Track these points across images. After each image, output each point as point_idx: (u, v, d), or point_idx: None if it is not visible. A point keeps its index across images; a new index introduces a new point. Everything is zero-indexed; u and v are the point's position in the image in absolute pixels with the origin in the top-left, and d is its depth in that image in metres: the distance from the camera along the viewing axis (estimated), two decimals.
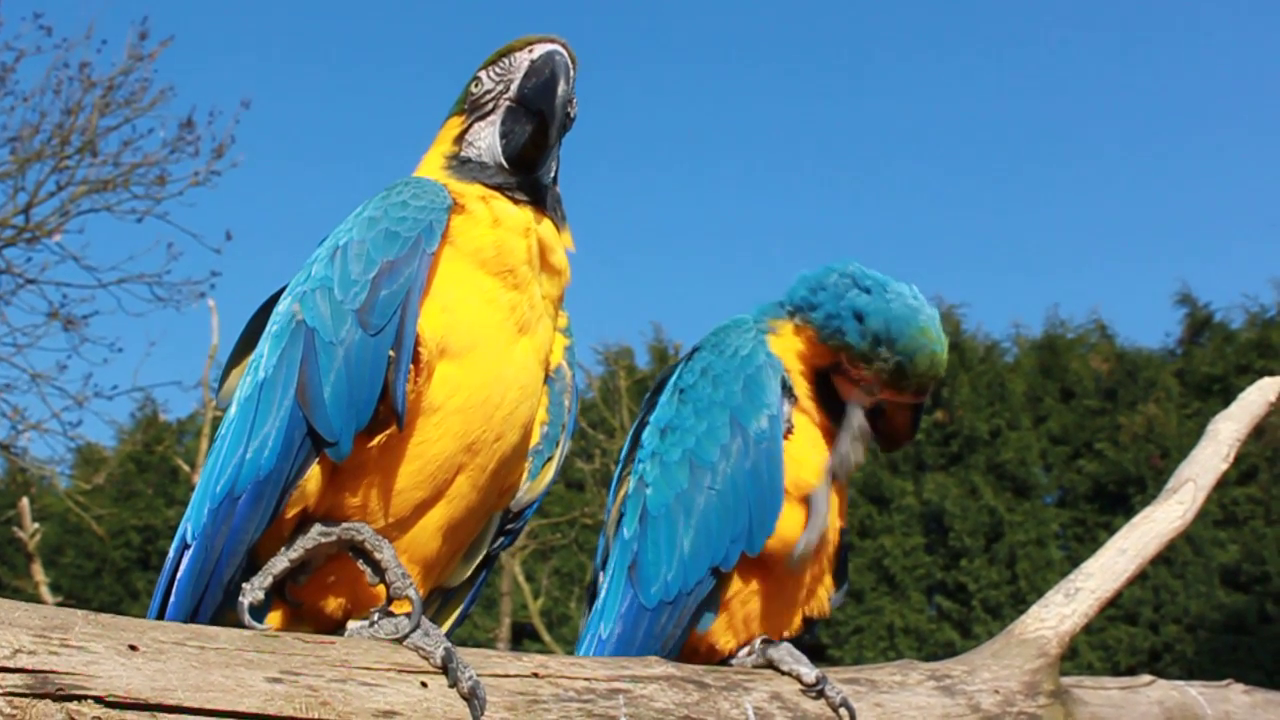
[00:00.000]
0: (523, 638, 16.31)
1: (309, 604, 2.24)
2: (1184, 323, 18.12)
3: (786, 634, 2.83)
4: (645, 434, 2.86)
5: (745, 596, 2.76)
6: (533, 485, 2.51)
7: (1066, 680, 3.06)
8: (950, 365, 16.59)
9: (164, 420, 18.35)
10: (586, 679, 2.15)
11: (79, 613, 1.67)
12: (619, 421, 15.16)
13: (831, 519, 2.80)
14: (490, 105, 2.40)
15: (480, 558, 2.47)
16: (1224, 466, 3.50)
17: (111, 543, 17.79)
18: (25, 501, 10.29)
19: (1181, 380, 17.36)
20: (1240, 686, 3.63)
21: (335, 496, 2.18)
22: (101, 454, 17.43)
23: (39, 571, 11.28)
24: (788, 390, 2.78)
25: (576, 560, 16.58)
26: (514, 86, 2.38)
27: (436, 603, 2.47)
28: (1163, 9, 30.74)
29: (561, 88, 2.33)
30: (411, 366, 2.16)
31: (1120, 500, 16.68)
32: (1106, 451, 16.92)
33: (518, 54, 2.40)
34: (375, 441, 2.15)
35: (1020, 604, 15.86)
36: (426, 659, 2.00)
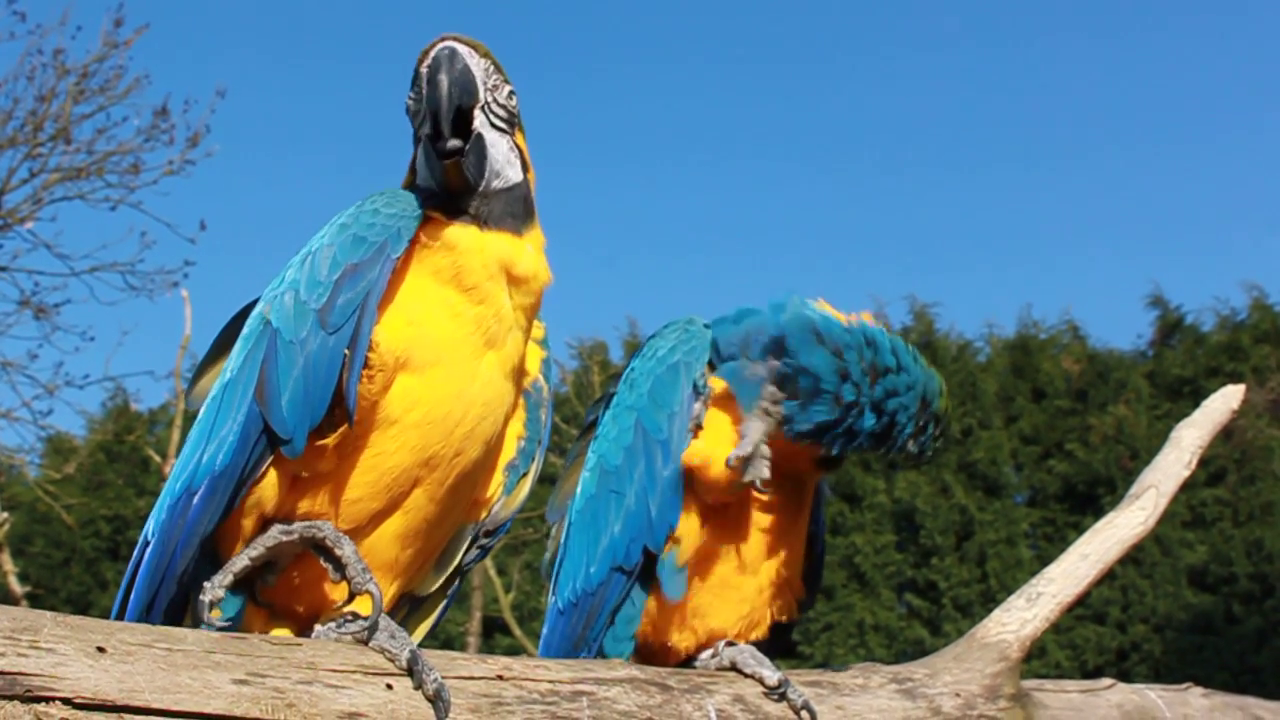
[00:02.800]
0: (494, 632, 16.30)
1: (280, 605, 2.28)
2: (1155, 325, 18.21)
3: (754, 636, 2.86)
4: (592, 440, 2.89)
5: (699, 594, 2.77)
6: (508, 501, 2.53)
7: (1027, 683, 3.10)
8: None
9: (135, 410, 18.23)
10: (550, 681, 2.18)
11: (48, 614, 1.69)
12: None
13: (792, 523, 2.82)
14: (416, 127, 2.35)
15: (452, 568, 2.49)
16: (1186, 473, 3.54)
17: (81, 532, 17.68)
18: None
19: (1152, 382, 17.46)
20: (1199, 690, 3.68)
21: (293, 503, 2.22)
22: (72, 443, 17.31)
23: (7, 561, 11.25)
24: (698, 389, 2.76)
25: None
26: (424, 104, 2.28)
27: (404, 610, 2.49)
28: (1136, 9, 30.92)
29: (443, 86, 2.22)
30: (364, 370, 2.19)
31: (1090, 500, 16.78)
32: (1077, 452, 17.00)
33: (420, 69, 2.30)
34: (328, 440, 2.18)
35: (990, 602, 15.93)
36: (392, 661, 2.02)
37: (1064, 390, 17.66)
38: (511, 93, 2.39)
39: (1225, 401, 3.76)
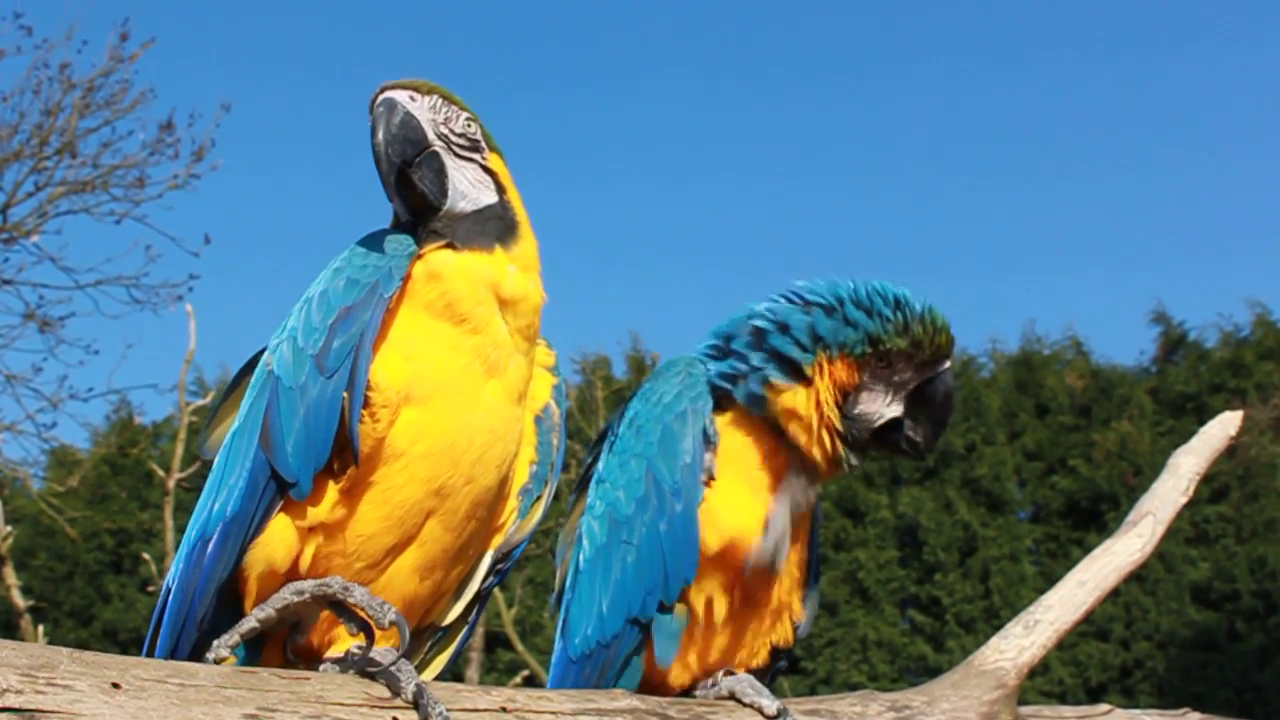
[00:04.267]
0: (496, 646, 16.32)
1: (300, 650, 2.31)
2: (1158, 341, 18.25)
3: (755, 664, 2.87)
4: (591, 484, 2.83)
5: (700, 631, 2.75)
6: (522, 525, 2.57)
7: (1024, 710, 3.12)
8: None
9: (139, 423, 18.22)
10: (554, 712, 2.20)
11: (64, 651, 1.73)
12: (595, 432, 15.20)
13: (791, 553, 2.78)
14: None
15: (471, 596, 2.52)
16: (1183, 500, 3.55)
17: (84, 545, 17.69)
18: None
19: (1155, 398, 17.48)
20: (1197, 715, 3.69)
21: (306, 545, 2.25)
22: (75, 456, 17.32)
23: (10, 574, 11.26)
24: (708, 438, 2.70)
25: (550, 569, 16.57)
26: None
27: (429, 641, 2.52)
28: (1141, 26, 30.97)
29: (379, 136, 2.31)
30: (365, 410, 2.23)
31: (1093, 517, 16.80)
32: (1080, 468, 17.02)
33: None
34: (336, 481, 2.24)
35: (993, 618, 15.95)
36: (398, 694, 2.05)
37: (1067, 406, 17.69)
38: (469, 119, 2.44)
39: (1223, 428, 3.76)
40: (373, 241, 2.36)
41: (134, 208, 13.43)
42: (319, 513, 2.25)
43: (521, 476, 2.56)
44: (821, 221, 29.64)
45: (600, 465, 2.82)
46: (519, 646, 14.07)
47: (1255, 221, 28.76)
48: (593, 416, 15.44)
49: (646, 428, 2.72)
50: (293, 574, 2.24)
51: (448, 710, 2.04)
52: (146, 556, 9.87)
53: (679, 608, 2.68)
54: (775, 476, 2.70)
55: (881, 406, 2.65)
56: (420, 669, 2.50)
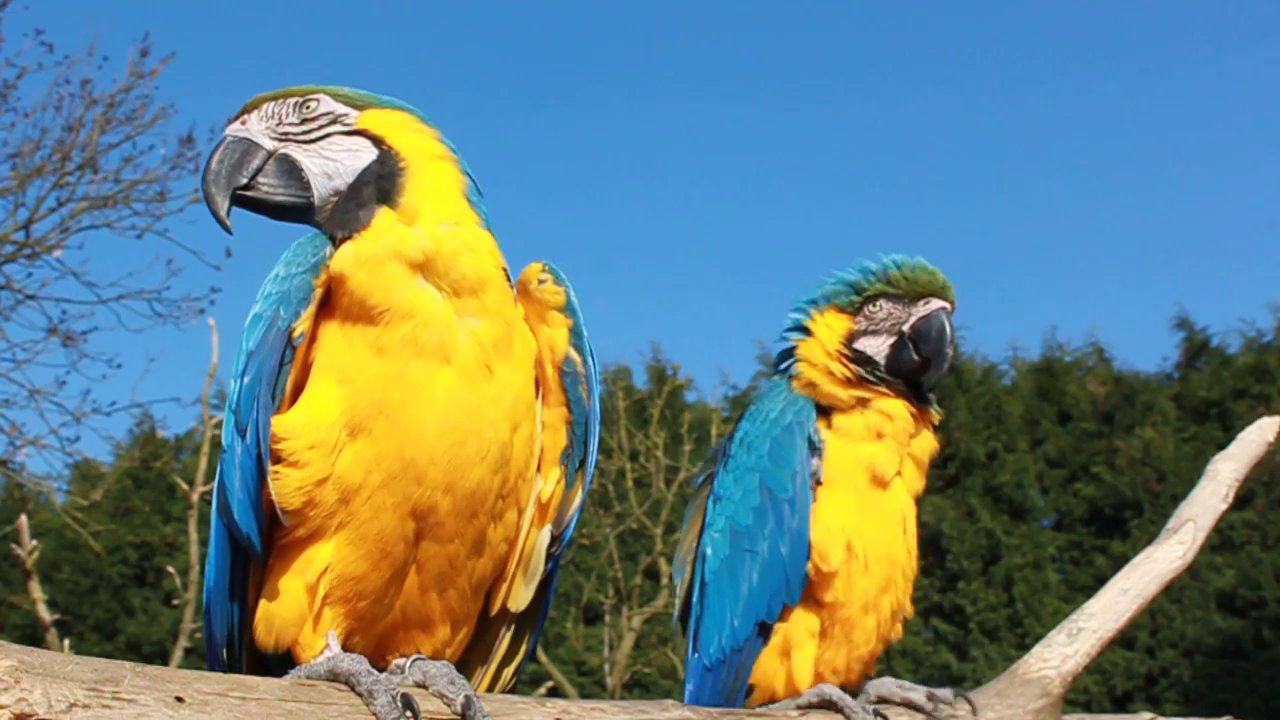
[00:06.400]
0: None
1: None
2: (1181, 347, 18.14)
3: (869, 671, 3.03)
4: (709, 502, 3.06)
5: (822, 631, 2.93)
6: (570, 494, 2.37)
7: (1069, 718, 3.12)
8: (948, 388, 16.68)
9: (162, 436, 18.28)
10: None
11: (127, 665, 1.74)
12: (616, 442, 15.18)
13: (902, 549, 2.99)
14: None
15: (540, 576, 2.37)
16: (1223, 506, 3.56)
17: (108, 559, 17.75)
18: (24, 519, 10.32)
19: (1178, 404, 17.38)
20: None
21: (299, 602, 2.13)
22: (99, 470, 17.36)
23: (36, 589, 11.28)
24: (814, 445, 2.93)
25: (573, 580, 16.57)
26: None
27: (511, 625, 2.41)
28: (1160, 31, 30.91)
29: (205, 190, 2.23)
30: (280, 465, 2.07)
31: (1117, 524, 16.72)
32: (1103, 475, 16.94)
33: None
34: (291, 538, 2.12)
35: (1017, 627, 15.91)
36: (448, 706, 2.04)
37: (1090, 413, 17.62)
38: (305, 101, 2.28)
39: (1261, 434, 3.76)
40: (281, 263, 2.18)
41: (155, 222, 13.45)
42: (292, 569, 2.12)
43: (559, 440, 2.34)
44: (843, 229, 29.58)
45: (715, 484, 3.04)
46: (543, 658, 14.06)
47: (1277, 226, 28.64)
48: (614, 427, 15.41)
49: (756, 443, 2.95)
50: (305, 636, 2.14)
51: None
52: (170, 570, 9.86)
53: (798, 611, 2.89)
54: (878, 474, 2.96)
55: (880, 344, 3.00)
56: (508, 654, 2.44)
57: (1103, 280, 29.27)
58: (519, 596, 2.36)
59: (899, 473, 3.01)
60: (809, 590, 2.88)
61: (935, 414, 3.07)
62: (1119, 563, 3.35)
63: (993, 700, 2.99)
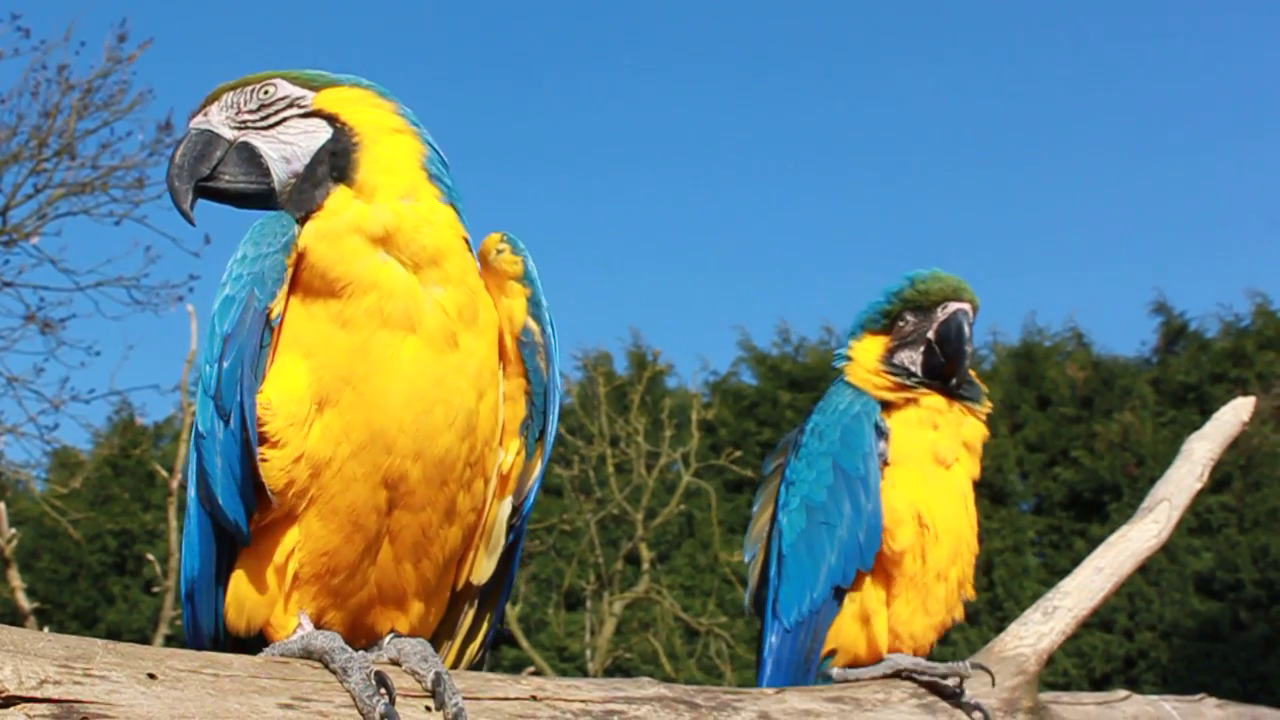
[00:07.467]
0: (500, 643, 16.33)
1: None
2: (1159, 332, 18.24)
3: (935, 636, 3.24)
4: (781, 488, 3.36)
5: (889, 599, 3.17)
6: (530, 465, 2.38)
7: (1044, 696, 3.14)
8: None
9: (141, 424, 18.21)
10: (583, 701, 2.22)
11: (99, 642, 1.73)
12: (598, 428, 15.19)
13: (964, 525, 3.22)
14: None
15: (501, 549, 2.38)
16: (1198, 486, 3.57)
17: (88, 547, 17.69)
18: (2, 507, 10.27)
19: (1157, 389, 17.48)
20: (1213, 700, 3.72)
21: (276, 580, 2.14)
22: (78, 458, 17.29)
23: (15, 577, 11.23)
24: (880, 430, 3.22)
25: (554, 566, 16.58)
26: None
27: (475, 600, 2.42)
28: (1139, 16, 30.98)
29: (169, 187, 2.28)
30: (264, 447, 2.07)
31: (1096, 508, 16.81)
32: (1082, 459, 17.02)
33: None
34: (269, 519, 2.12)
35: (996, 610, 15.97)
36: (420, 682, 2.04)
37: (1069, 398, 17.70)
38: (261, 86, 2.31)
39: (1236, 414, 3.78)
40: (248, 243, 2.16)
41: (133, 209, 13.35)
42: (274, 549, 2.12)
43: (519, 411, 2.35)
44: (822, 217, 29.67)
45: (788, 471, 3.34)
46: (524, 643, 14.09)
47: (1255, 212, 28.81)
48: (595, 413, 15.42)
49: (828, 431, 3.26)
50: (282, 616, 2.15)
51: (478, 698, 2.05)
52: (150, 557, 9.82)
53: (872, 580, 3.16)
54: (940, 456, 3.23)
55: (913, 354, 3.29)
56: (471, 629, 2.45)
57: (1082, 266, 29.45)
58: (481, 569, 2.37)
59: (957, 458, 3.26)
60: (881, 562, 3.13)
61: (984, 406, 3.34)
62: (1098, 546, 3.37)
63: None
